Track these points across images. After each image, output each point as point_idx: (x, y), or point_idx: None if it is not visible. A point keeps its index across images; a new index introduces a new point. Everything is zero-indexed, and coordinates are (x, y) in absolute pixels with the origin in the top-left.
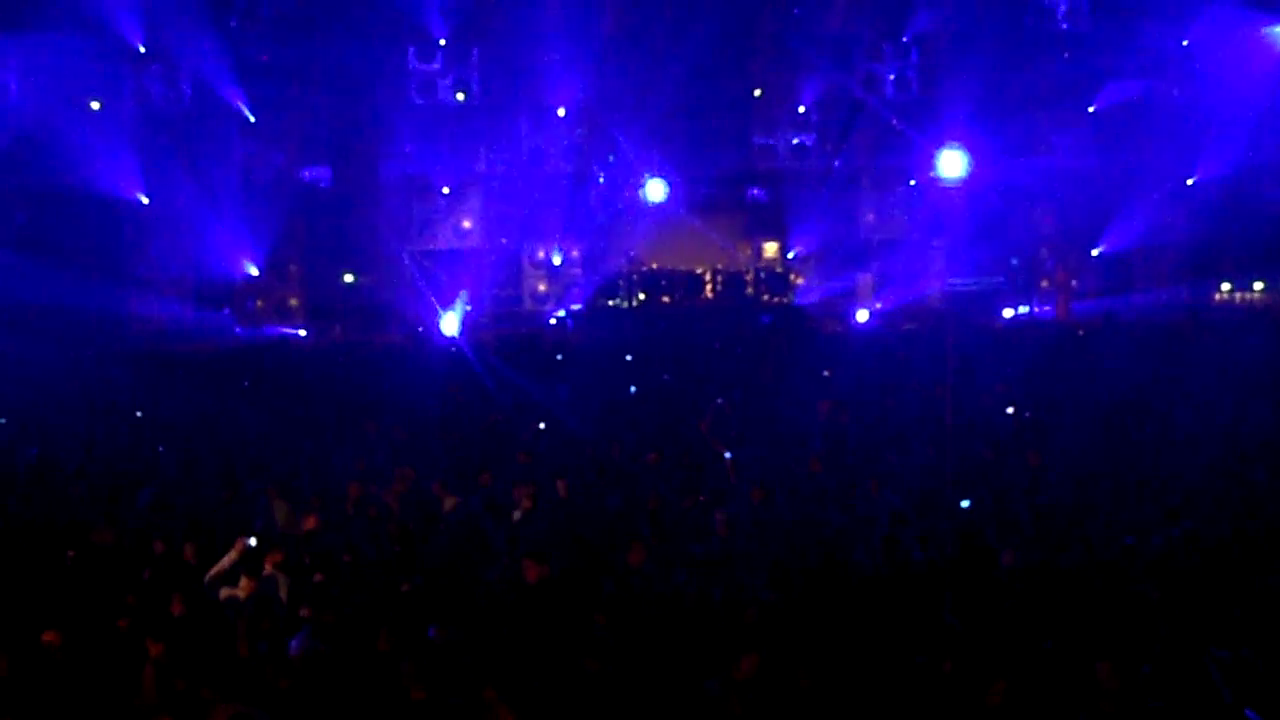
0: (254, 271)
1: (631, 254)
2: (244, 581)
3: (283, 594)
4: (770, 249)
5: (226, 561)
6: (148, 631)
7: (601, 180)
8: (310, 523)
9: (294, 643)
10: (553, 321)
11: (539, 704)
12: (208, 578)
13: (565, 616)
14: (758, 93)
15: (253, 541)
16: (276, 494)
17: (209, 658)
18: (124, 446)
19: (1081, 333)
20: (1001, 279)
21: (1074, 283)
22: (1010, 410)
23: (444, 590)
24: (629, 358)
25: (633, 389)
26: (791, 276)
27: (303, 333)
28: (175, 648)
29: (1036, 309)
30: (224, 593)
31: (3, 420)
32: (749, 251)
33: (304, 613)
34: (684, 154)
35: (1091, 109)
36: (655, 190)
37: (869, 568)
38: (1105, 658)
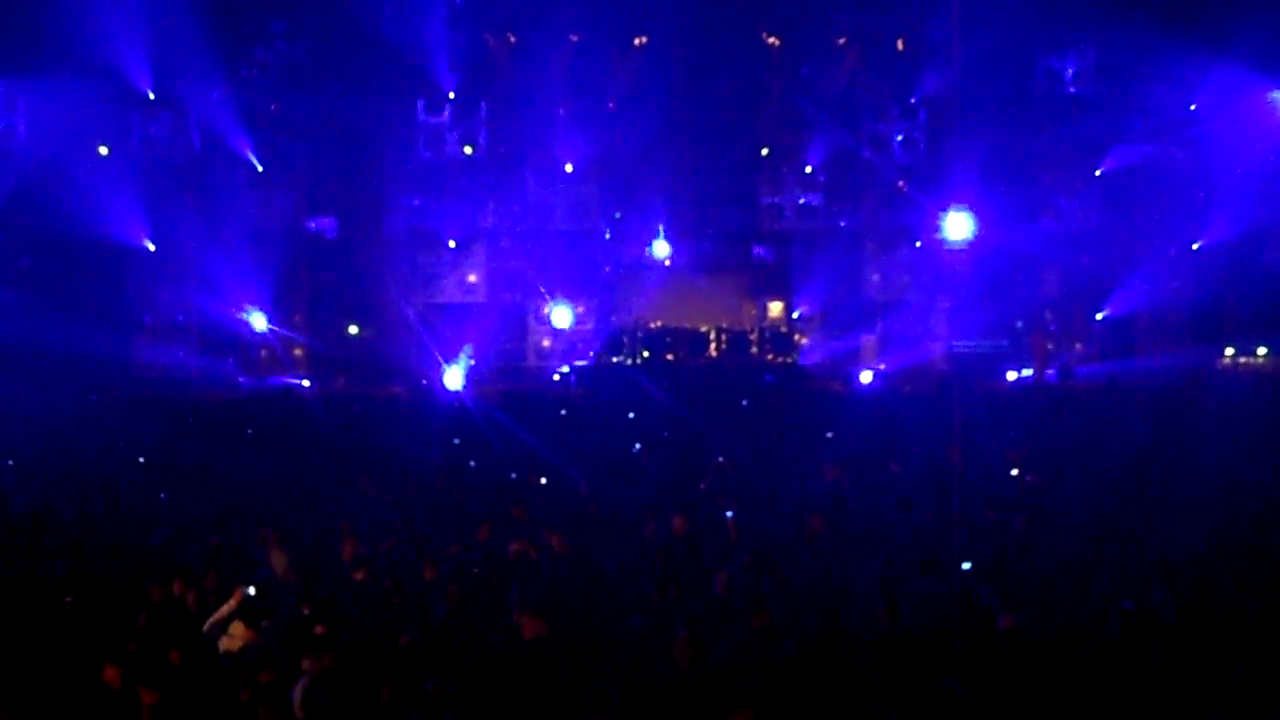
0: (260, 322)
1: (637, 311)
2: (242, 631)
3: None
4: (775, 308)
5: (225, 610)
6: (143, 679)
7: (608, 237)
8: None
9: (294, 693)
10: (556, 378)
11: None
12: (206, 626)
13: (562, 673)
14: (765, 152)
15: (252, 591)
16: (276, 544)
17: (207, 707)
18: (126, 493)
19: (1085, 396)
20: (1006, 342)
21: (1079, 346)
22: (1014, 472)
23: (442, 644)
24: (631, 415)
25: (637, 446)
26: (796, 336)
27: (306, 383)
28: (171, 696)
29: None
30: (223, 642)
31: (8, 463)
32: (754, 310)
33: (305, 664)
34: (691, 212)
35: (1098, 173)
36: (662, 248)
37: (865, 629)
38: None
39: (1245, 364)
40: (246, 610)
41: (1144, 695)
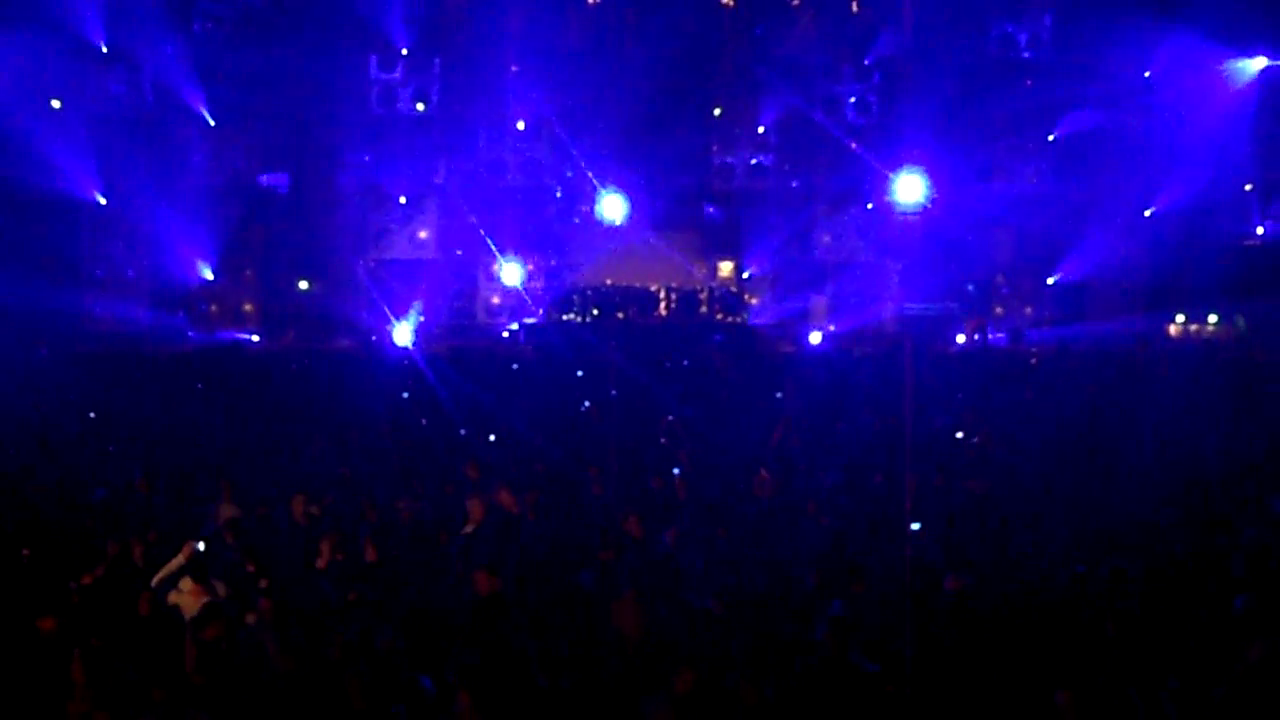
0: (209, 276)
1: (587, 269)
2: (190, 586)
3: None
4: (725, 268)
5: (174, 565)
6: (88, 632)
7: (559, 195)
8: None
9: (239, 649)
10: (506, 334)
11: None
12: (155, 581)
13: (516, 629)
14: (718, 112)
15: (201, 546)
16: (225, 498)
17: (154, 660)
18: (75, 447)
19: (1034, 361)
20: (956, 305)
21: (1029, 310)
22: (960, 435)
23: (392, 600)
24: (580, 373)
25: (585, 404)
26: (746, 296)
27: (255, 338)
28: (119, 648)
29: (991, 336)
30: (171, 597)
31: None
32: (704, 270)
33: (249, 619)
34: (642, 171)
35: (1051, 137)
36: (613, 206)
37: (810, 587)
38: (1065, 686)
39: (1196, 331)
40: (195, 566)
41: (1092, 660)
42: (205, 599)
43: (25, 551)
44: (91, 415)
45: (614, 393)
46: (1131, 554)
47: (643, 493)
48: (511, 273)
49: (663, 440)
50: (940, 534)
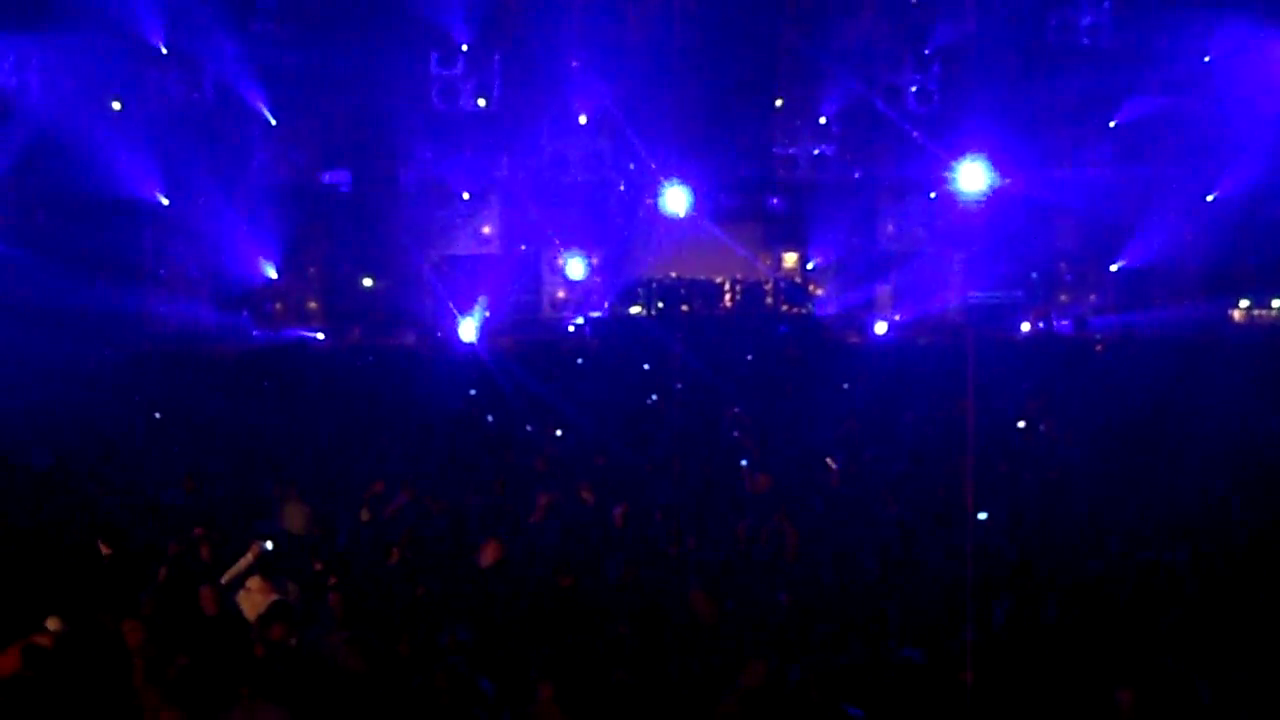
0: (273, 274)
1: (651, 262)
2: (259, 585)
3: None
4: (790, 259)
5: (242, 565)
6: (160, 635)
7: (622, 188)
8: (490, 555)
9: (309, 646)
10: (571, 329)
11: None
12: (223, 580)
13: (582, 625)
14: (779, 103)
15: (269, 545)
16: (294, 498)
17: (224, 657)
18: (142, 448)
19: (1100, 348)
20: (1020, 293)
21: (1093, 297)
22: (1023, 424)
23: (460, 595)
24: (646, 366)
25: (652, 398)
26: (810, 287)
27: (320, 336)
28: (186, 648)
29: (1055, 323)
30: (239, 596)
31: (28, 420)
32: (768, 261)
33: (319, 618)
34: (705, 163)
35: (1113, 124)
36: (676, 199)
37: (879, 579)
38: (1127, 684)
39: (1261, 316)
40: (263, 565)
41: (1157, 651)
42: (274, 597)
43: (106, 550)
44: (157, 415)
45: (679, 385)
46: (1198, 541)
47: (710, 485)
48: (576, 267)
49: (735, 434)
50: (1006, 523)
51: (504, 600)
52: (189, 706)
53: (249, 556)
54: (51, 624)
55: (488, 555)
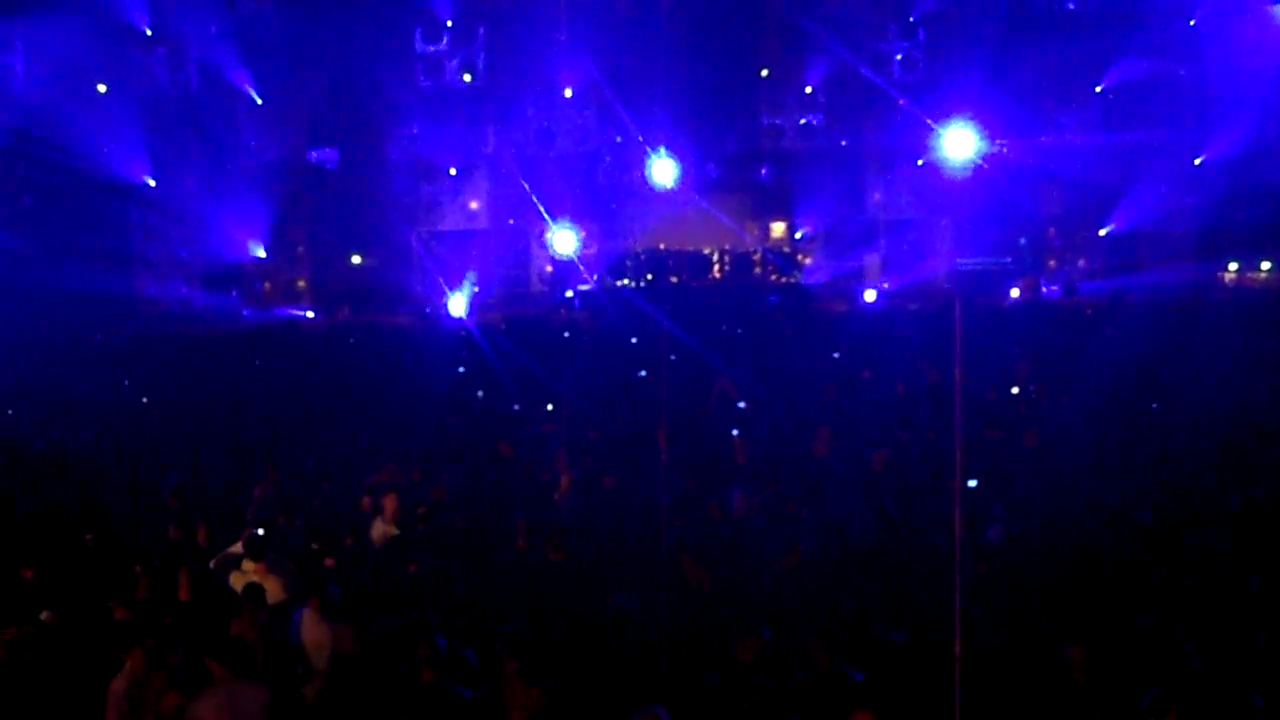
0: (262, 254)
1: (639, 234)
2: (253, 567)
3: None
4: (778, 229)
5: (235, 549)
6: (156, 614)
7: (609, 160)
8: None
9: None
10: (562, 302)
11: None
12: (214, 563)
13: (582, 600)
14: (765, 73)
15: (260, 532)
16: (283, 477)
17: (214, 639)
18: (134, 430)
19: (1089, 312)
20: (1009, 259)
21: (1082, 262)
22: (1015, 390)
23: (452, 573)
24: (634, 339)
25: (642, 372)
26: (799, 257)
27: (310, 314)
28: (183, 630)
29: (1044, 288)
30: (235, 579)
31: (22, 402)
32: (756, 232)
33: (312, 599)
34: (691, 134)
35: (1099, 88)
36: (663, 171)
37: (873, 545)
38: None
39: (1251, 279)
40: (253, 548)
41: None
42: (268, 579)
43: (89, 537)
44: (145, 400)
45: (671, 357)
46: (1186, 504)
47: (702, 455)
48: (564, 240)
49: (725, 404)
50: (995, 489)
51: (494, 575)
52: (183, 687)
53: (239, 544)
54: (44, 617)
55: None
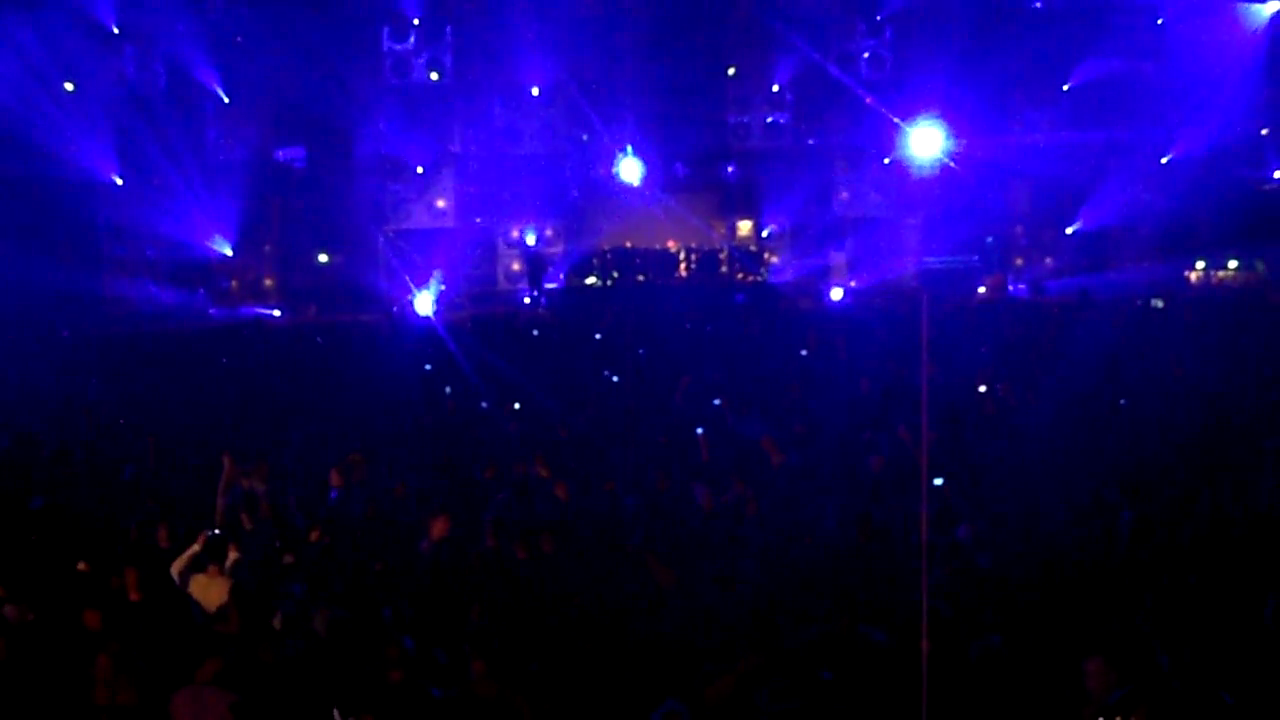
0: (228, 252)
1: (606, 233)
2: (215, 570)
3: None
4: (744, 227)
5: (192, 552)
6: (113, 618)
7: (576, 159)
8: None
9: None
10: (527, 300)
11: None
12: (174, 568)
13: (558, 598)
14: (731, 71)
15: (217, 533)
16: (253, 476)
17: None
18: (100, 429)
19: (1056, 310)
20: (976, 257)
21: (1049, 260)
22: (983, 388)
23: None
24: (598, 336)
25: (607, 372)
26: (765, 255)
27: (277, 313)
28: (135, 632)
29: (1011, 286)
30: (194, 580)
31: None
32: (723, 230)
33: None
34: (658, 133)
35: (1066, 87)
36: (630, 169)
37: (842, 544)
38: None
39: (1217, 278)
40: (211, 550)
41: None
42: (229, 582)
43: (33, 537)
44: (114, 396)
45: (641, 351)
46: (1152, 502)
47: (667, 454)
48: (531, 239)
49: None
50: (962, 488)
51: (454, 575)
52: (144, 690)
53: (196, 546)
54: (9, 611)
55: (437, 530)
